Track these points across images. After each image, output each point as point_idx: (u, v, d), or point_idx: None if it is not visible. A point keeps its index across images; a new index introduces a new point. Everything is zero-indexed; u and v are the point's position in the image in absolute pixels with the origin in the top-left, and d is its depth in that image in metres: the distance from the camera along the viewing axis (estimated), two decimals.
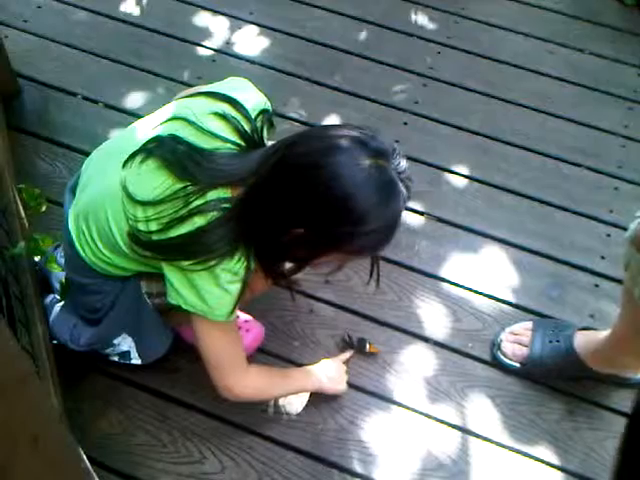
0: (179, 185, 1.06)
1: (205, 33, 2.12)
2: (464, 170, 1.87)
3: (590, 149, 1.95)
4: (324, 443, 1.40)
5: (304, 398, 1.44)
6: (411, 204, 1.78)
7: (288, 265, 1.21)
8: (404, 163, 1.02)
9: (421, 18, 2.25)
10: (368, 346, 1.50)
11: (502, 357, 1.51)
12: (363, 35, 2.18)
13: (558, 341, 1.48)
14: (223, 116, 1.12)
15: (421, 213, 1.77)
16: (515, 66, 2.14)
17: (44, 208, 1.38)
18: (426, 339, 1.56)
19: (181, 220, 1.05)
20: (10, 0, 2.12)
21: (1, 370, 0.72)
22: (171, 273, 1.10)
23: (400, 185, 1.00)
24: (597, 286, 1.67)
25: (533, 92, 2.07)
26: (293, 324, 1.55)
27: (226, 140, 1.11)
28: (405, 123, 1.96)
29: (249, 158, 1.08)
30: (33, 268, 1.44)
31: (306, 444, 1.40)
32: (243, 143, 1.12)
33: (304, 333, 1.54)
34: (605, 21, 2.30)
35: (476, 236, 1.75)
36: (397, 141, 1.90)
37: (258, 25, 2.16)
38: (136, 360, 1.37)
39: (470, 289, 1.65)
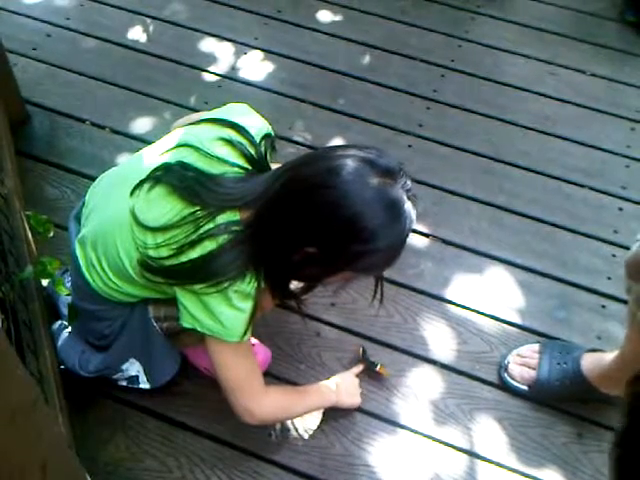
0: (188, 210, 1.07)
1: (211, 59, 2.15)
2: (468, 191, 1.88)
3: (593, 170, 1.96)
4: (331, 468, 1.39)
5: (318, 416, 1.45)
6: (415, 225, 1.78)
7: (297, 284, 1.22)
8: (409, 181, 1.04)
9: (425, 42, 2.27)
10: (378, 366, 1.50)
11: (509, 379, 1.51)
12: (367, 59, 2.21)
13: (566, 363, 1.47)
14: (229, 141, 1.14)
15: (426, 235, 1.78)
16: (517, 88, 2.16)
17: (52, 234, 1.40)
18: (432, 361, 1.56)
19: (192, 245, 1.06)
20: (20, 29, 2.17)
21: (10, 397, 0.73)
22: (184, 297, 1.10)
23: (408, 202, 1.02)
24: (603, 307, 1.66)
25: (535, 113, 2.09)
26: (299, 347, 1.55)
27: (233, 165, 1.12)
28: (409, 146, 1.97)
29: (256, 181, 1.10)
30: (41, 293, 1.45)
31: (313, 469, 1.39)
32: (250, 167, 1.14)
33: (310, 356, 1.54)
34: (606, 43, 2.33)
35: (481, 257, 1.75)
36: (402, 163, 1.91)
37: (263, 50, 2.19)
38: (144, 384, 1.37)
39: (476, 311, 1.65)
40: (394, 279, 1.67)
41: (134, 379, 1.36)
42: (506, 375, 1.51)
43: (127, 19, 2.24)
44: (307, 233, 1.02)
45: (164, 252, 1.08)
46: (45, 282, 1.51)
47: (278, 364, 1.51)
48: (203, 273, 1.06)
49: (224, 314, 1.09)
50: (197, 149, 1.13)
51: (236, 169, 1.12)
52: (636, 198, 1.90)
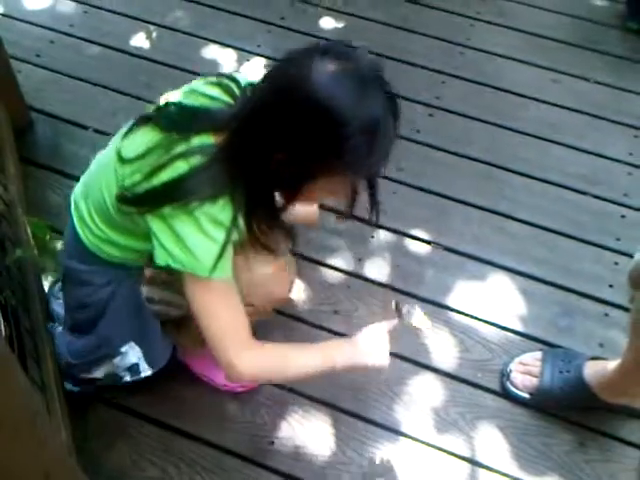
0: (164, 135, 1.07)
1: (214, 66, 2.16)
2: (470, 198, 1.88)
3: (596, 177, 1.96)
4: (332, 476, 1.39)
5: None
6: (417, 233, 1.79)
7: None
8: (380, 64, 1.00)
9: (426, 49, 2.28)
10: (416, 317, 1.37)
11: (511, 387, 1.51)
12: None
13: (568, 371, 1.47)
14: (218, 83, 1.15)
15: (427, 242, 1.78)
16: (519, 95, 2.16)
17: (48, 237, 1.41)
18: (435, 369, 1.55)
19: (163, 166, 1.04)
20: (24, 36, 2.17)
21: (13, 407, 0.73)
22: (155, 225, 1.06)
23: (375, 83, 0.98)
24: (606, 315, 1.66)
25: (537, 120, 2.09)
26: None
27: (219, 99, 1.12)
28: (412, 152, 1.98)
29: (231, 107, 1.10)
30: (43, 300, 1.45)
31: (314, 477, 1.39)
32: (234, 102, 1.13)
33: None
34: (608, 49, 2.32)
35: (483, 264, 1.75)
36: (401, 169, 1.91)
37: (266, 57, 2.19)
38: (146, 371, 1.33)
39: (478, 318, 1.64)
40: (396, 287, 1.66)
41: (134, 368, 1.32)
42: (508, 383, 1.51)
43: (130, 26, 2.25)
44: (280, 135, 0.99)
45: (137, 177, 1.07)
46: (46, 288, 1.52)
47: None
48: (173, 195, 1.03)
49: (194, 242, 1.04)
50: (186, 91, 1.15)
51: (221, 104, 1.12)
52: (638, 205, 1.89)
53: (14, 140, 1.80)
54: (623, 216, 1.87)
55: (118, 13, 2.29)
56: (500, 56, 2.28)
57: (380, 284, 1.68)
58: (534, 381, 1.49)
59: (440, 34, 2.32)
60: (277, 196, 1.10)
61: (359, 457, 1.42)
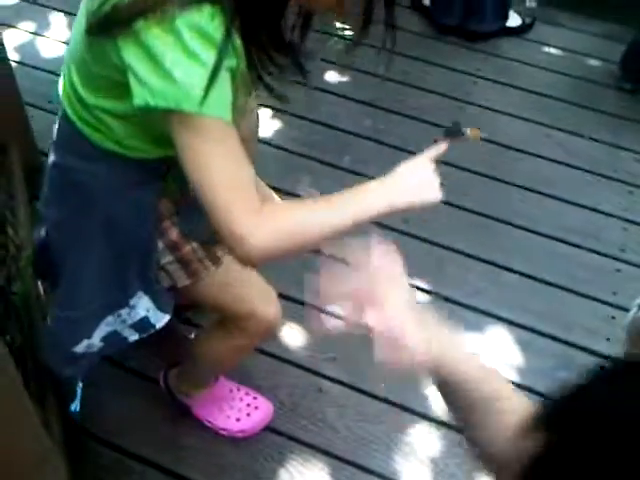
0: None
1: None
2: (469, 250, 1.91)
3: (591, 231, 2.00)
4: None
5: None
6: (416, 282, 1.81)
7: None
8: None
9: (427, 103, 2.35)
10: (468, 130, 1.22)
11: None
12: (371, 119, 2.28)
13: None
14: None
15: (426, 291, 1.81)
16: (517, 150, 2.23)
17: None
18: (433, 420, 1.56)
19: None
20: (37, 82, 2.24)
21: (23, 449, 0.74)
22: (129, 52, 0.84)
23: None
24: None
25: (533, 175, 2.14)
26: (301, 402, 1.56)
27: None
28: None
29: None
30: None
31: None
32: None
33: (312, 411, 1.54)
34: (604, 108, 2.40)
35: (481, 315, 1.77)
36: (406, 221, 1.95)
37: (272, 108, 2.26)
38: (160, 321, 1.13)
39: None
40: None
41: (144, 322, 1.12)
42: None
43: None
44: None
45: None
46: None
47: (279, 419, 1.51)
48: (146, 5, 0.81)
49: (173, 60, 0.81)
50: None
51: None
52: (634, 260, 1.93)
53: (25, 183, 1.84)
54: (619, 270, 1.91)
55: None
56: (498, 112, 2.35)
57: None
58: None
59: (441, 89, 2.40)
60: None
61: None
